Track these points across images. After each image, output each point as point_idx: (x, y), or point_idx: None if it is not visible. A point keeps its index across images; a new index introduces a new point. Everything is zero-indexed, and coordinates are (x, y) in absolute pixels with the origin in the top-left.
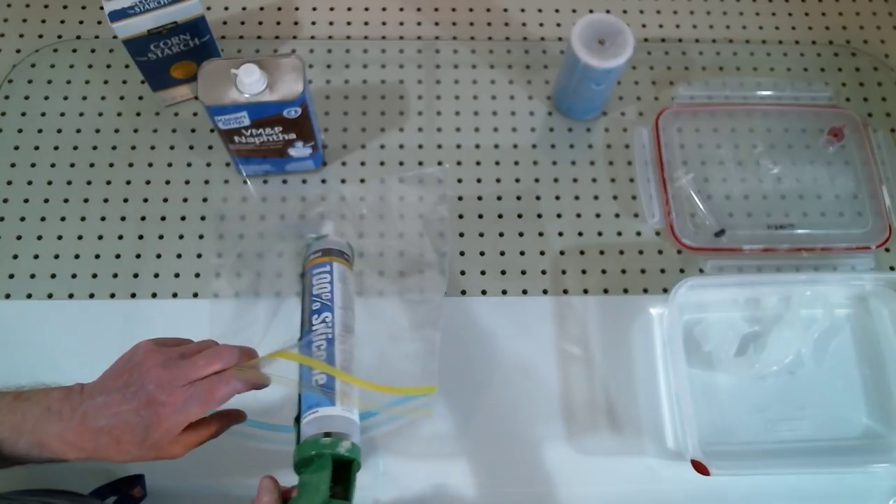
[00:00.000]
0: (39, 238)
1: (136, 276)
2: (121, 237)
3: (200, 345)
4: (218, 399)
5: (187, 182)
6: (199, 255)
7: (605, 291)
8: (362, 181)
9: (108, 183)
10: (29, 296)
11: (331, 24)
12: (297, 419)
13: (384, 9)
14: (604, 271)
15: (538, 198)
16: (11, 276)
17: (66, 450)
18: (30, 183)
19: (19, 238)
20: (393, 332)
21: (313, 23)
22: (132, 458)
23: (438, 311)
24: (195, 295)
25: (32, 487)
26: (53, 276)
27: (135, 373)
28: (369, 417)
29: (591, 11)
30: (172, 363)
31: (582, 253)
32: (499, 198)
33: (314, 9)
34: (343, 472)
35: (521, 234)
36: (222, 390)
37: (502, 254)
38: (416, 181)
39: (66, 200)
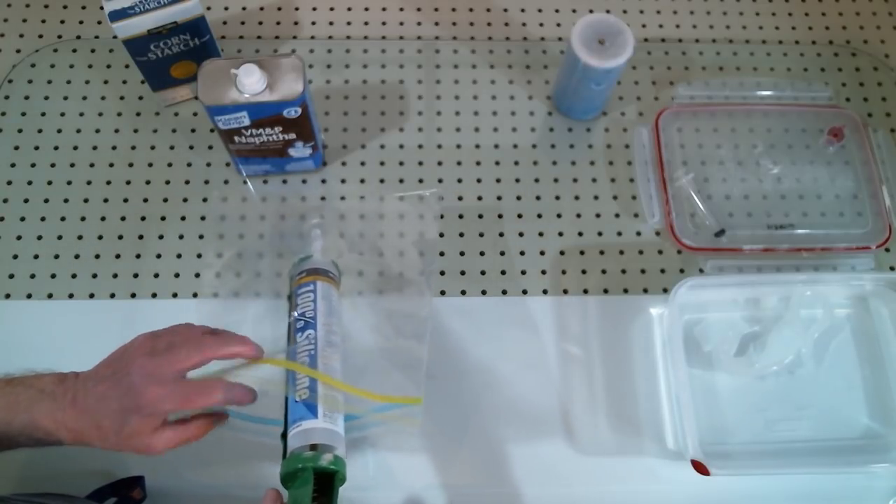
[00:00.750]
0: (39, 238)
1: (136, 276)
2: (121, 237)
3: (189, 333)
4: (194, 404)
5: (187, 182)
6: (199, 256)
7: (605, 291)
8: (362, 181)
9: (108, 183)
10: (29, 296)
11: (331, 24)
12: (284, 435)
13: (384, 9)
14: (604, 271)
15: (538, 198)
16: (11, 276)
17: (57, 429)
18: (30, 183)
19: (19, 238)
20: (382, 343)
21: (313, 23)
22: (111, 445)
23: (424, 325)
24: (195, 295)
25: (29, 491)
26: (53, 276)
27: (123, 360)
28: (352, 420)
29: (591, 11)
30: (158, 353)
31: (582, 253)
32: (499, 198)
33: (314, 9)
34: (327, 483)
35: (521, 234)
36: (200, 400)
37: (502, 254)
38: (415, 199)
39: (66, 200)
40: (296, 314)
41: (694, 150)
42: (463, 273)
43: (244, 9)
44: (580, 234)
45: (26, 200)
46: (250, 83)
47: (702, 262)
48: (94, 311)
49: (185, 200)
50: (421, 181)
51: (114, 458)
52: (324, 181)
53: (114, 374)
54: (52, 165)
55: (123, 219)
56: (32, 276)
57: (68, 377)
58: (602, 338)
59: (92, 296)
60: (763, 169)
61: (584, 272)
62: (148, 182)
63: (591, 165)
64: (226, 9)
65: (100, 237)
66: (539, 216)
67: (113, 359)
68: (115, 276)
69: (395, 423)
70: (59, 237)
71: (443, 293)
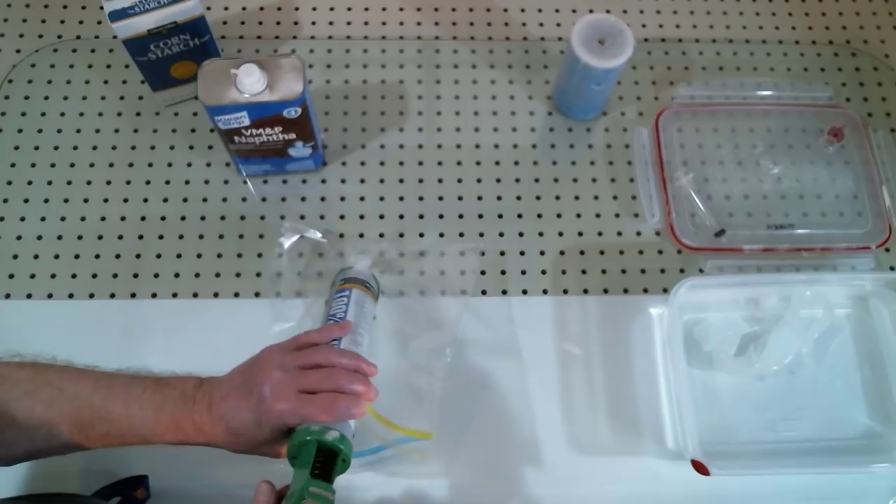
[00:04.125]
0: (39, 238)
1: (136, 276)
2: (121, 237)
3: (315, 355)
4: (316, 418)
5: (187, 182)
6: (199, 255)
7: (605, 291)
8: (362, 181)
9: (108, 183)
10: (29, 296)
11: (331, 24)
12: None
13: (384, 9)
14: (604, 271)
15: (538, 198)
16: (11, 276)
17: (194, 433)
18: (30, 183)
19: (19, 238)
20: (400, 370)
21: (313, 23)
22: (243, 450)
23: (444, 362)
24: (195, 295)
25: (33, 493)
26: (53, 276)
27: (254, 372)
28: (378, 452)
29: (591, 11)
30: (287, 369)
31: (582, 253)
32: (499, 198)
33: (314, 9)
34: (330, 462)
35: (521, 234)
36: (321, 417)
37: (502, 254)
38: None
39: (66, 200)
40: (329, 316)
41: (694, 150)
42: (463, 273)
43: (244, 9)
44: (580, 234)
45: (26, 200)
46: (250, 83)
47: (702, 262)
48: (94, 311)
49: (185, 200)
50: (421, 181)
51: (117, 457)
52: (324, 181)
53: (244, 383)
54: (52, 165)
55: (123, 219)
56: (32, 276)
57: (205, 382)
58: (602, 338)
59: (92, 296)
60: (763, 169)
61: (584, 272)
62: (148, 182)
63: (591, 165)
64: (226, 9)
65: (100, 237)
66: (539, 216)
67: (244, 368)
68: (115, 276)
69: (404, 455)
70: (59, 237)
71: (443, 293)
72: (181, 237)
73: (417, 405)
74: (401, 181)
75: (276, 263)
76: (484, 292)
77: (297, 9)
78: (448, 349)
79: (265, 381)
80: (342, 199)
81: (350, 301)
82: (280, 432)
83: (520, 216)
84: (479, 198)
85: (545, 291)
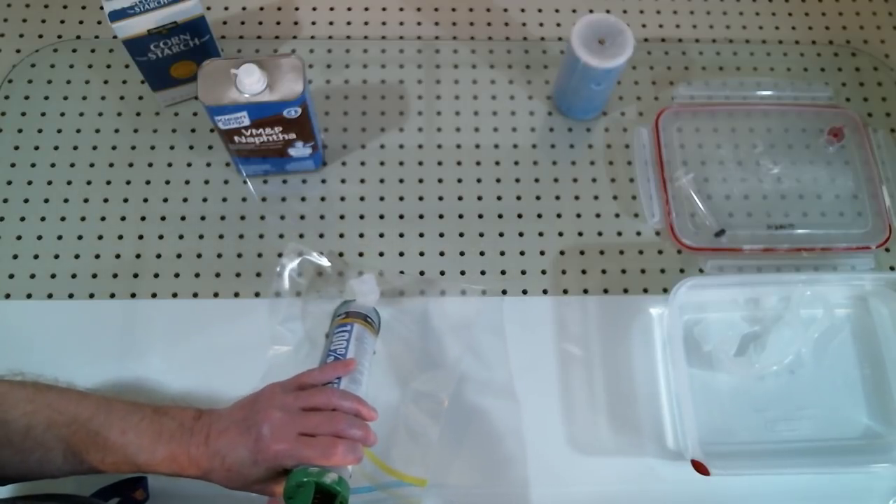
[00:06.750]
0: (39, 238)
1: (136, 276)
2: (121, 237)
3: (316, 397)
4: (313, 462)
5: (187, 182)
6: (199, 255)
7: (605, 291)
8: (362, 181)
9: (108, 183)
10: (29, 296)
11: (331, 24)
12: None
13: (384, 9)
14: (604, 271)
15: (538, 198)
16: (11, 276)
17: (189, 466)
18: (30, 183)
19: (19, 238)
20: (398, 411)
21: (313, 23)
22: (236, 487)
23: (441, 407)
24: (195, 295)
25: (35, 493)
26: (53, 276)
27: (256, 409)
28: (371, 491)
29: (591, 11)
30: (289, 411)
31: (582, 253)
32: (499, 198)
33: (314, 9)
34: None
35: (521, 234)
36: (319, 461)
37: (502, 254)
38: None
39: (66, 200)
40: (329, 351)
41: (694, 150)
42: (463, 273)
43: (244, 9)
44: (580, 234)
45: (26, 200)
46: (250, 83)
47: (702, 262)
48: (94, 311)
49: (185, 200)
50: (421, 181)
51: None
52: (324, 181)
53: (244, 419)
54: (52, 165)
55: (123, 219)
56: (32, 276)
57: (204, 414)
58: (602, 338)
59: (92, 296)
60: (763, 169)
61: (584, 272)
62: (148, 182)
63: (591, 165)
64: (226, 9)
65: (100, 237)
66: (539, 216)
67: (245, 403)
68: (115, 276)
69: (395, 499)
70: (59, 237)
71: (443, 293)
72: (181, 237)
73: (413, 448)
74: (401, 181)
75: (276, 263)
76: (484, 292)
77: (297, 9)
78: (447, 393)
79: (265, 420)
80: (342, 199)
81: (351, 337)
82: (275, 472)
83: (520, 216)
84: (479, 198)
85: (545, 291)
